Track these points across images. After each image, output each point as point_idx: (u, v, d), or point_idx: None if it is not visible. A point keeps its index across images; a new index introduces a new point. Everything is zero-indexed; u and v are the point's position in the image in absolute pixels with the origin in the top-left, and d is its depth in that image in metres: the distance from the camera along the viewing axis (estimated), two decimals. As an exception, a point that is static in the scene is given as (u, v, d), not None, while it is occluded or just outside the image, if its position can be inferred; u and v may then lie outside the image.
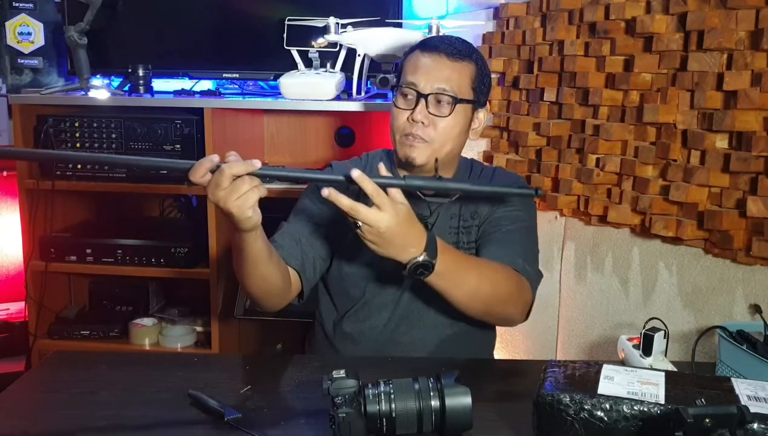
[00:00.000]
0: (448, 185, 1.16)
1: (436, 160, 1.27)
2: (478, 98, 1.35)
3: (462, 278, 1.20)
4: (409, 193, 1.12)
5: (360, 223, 1.06)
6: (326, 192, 1.05)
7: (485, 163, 1.52)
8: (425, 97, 1.29)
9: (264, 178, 1.04)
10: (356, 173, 1.05)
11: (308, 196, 1.42)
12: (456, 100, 1.31)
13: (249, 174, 1.01)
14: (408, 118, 1.31)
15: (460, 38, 1.37)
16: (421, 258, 1.11)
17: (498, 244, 1.34)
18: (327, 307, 1.47)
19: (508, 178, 1.48)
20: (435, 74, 1.30)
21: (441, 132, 1.31)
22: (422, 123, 1.29)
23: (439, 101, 1.30)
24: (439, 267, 1.14)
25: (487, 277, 1.23)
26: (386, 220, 1.06)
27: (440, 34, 1.39)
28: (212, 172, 1.01)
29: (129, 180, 2.06)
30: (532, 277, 1.32)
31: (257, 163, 1.01)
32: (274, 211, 1.63)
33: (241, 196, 1.01)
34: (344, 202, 1.05)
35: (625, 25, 1.52)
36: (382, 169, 1.13)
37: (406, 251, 1.11)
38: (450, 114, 1.31)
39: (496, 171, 1.48)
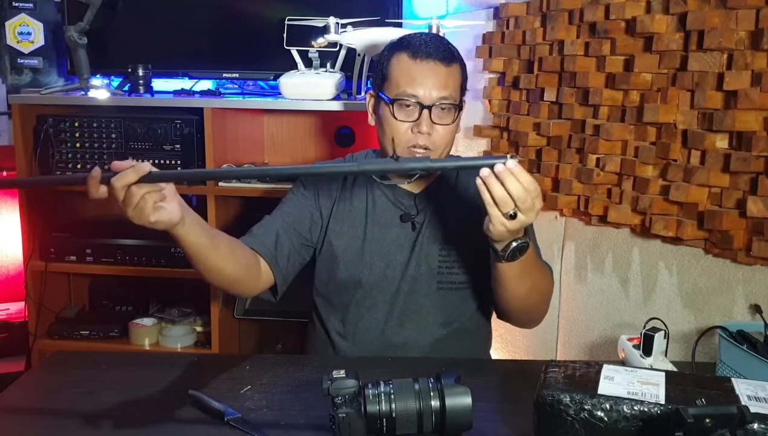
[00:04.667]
0: (408, 165, 1.07)
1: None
2: (464, 96, 1.36)
3: (534, 268, 1.22)
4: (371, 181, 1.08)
5: (517, 205, 1.01)
6: (480, 181, 1.02)
7: None
8: (429, 108, 1.27)
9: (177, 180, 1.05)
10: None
11: (294, 191, 1.42)
12: (458, 108, 1.31)
13: (141, 180, 0.98)
14: (412, 130, 1.29)
15: (439, 37, 1.35)
16: (522, 238, 1.12)
17: None
18: (320, 307, 1.45)
19: None
20: (434, 83, 1.28)
21: (443, 138, 1.30)
22: (428, 133, 1.28)
23: (442, 109, 1.29)
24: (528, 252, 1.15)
25: (543, 273, 1.28)
26: (529, 178, 1.02)
27: (417, 33, 1.37)
28: (104, 183, 0.99)
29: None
30: (551, 273, 1.35)
31: (146, 167, 0.98)
32: (257, 210, 1.64)
33: (136, 207, 0.99)
34: (498, 190, 1.01)
35: (625, 25, 1.52)
36: None
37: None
38: (453, 121, 1.30)
39: None
